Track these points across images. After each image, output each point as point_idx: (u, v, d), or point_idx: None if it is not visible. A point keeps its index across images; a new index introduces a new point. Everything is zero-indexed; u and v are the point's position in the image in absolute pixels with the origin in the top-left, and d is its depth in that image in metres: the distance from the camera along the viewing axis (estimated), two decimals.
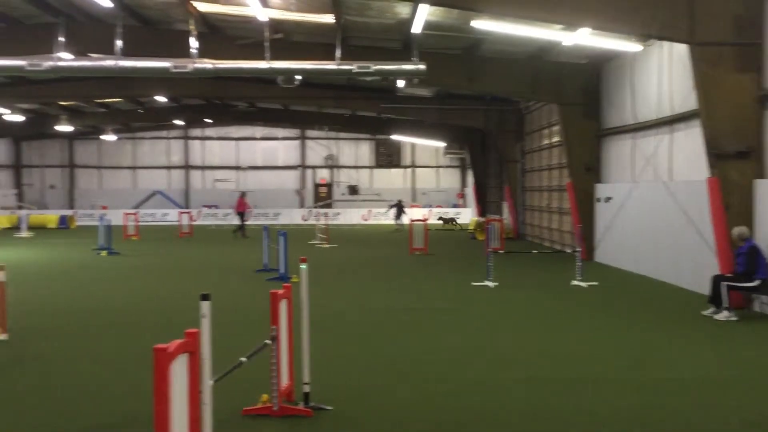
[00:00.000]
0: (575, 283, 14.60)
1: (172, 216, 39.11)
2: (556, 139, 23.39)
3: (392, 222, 36.10)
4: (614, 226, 18.28)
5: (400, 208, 35.36)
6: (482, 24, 13.72)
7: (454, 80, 20.63)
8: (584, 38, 14.93)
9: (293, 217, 40.28)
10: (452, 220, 36.32)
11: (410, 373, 7.89)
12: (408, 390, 7.21)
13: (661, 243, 15.36)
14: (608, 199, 18.76)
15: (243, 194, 31.18)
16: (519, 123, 28.50)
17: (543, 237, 25.49)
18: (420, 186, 45.28)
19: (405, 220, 33.35)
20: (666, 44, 15.11)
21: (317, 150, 45.00)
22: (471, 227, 29.47)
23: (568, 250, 19.69)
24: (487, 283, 14.48)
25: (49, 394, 7.12)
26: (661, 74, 15.70)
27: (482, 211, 36.11)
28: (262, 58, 16.83)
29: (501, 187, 32.16)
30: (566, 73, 19.74)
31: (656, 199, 15.61)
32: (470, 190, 40.16)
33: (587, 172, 19.81)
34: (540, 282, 15.46)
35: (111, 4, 16.09)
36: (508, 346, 9.20)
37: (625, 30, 13.04)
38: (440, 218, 36.76)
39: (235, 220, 32.11)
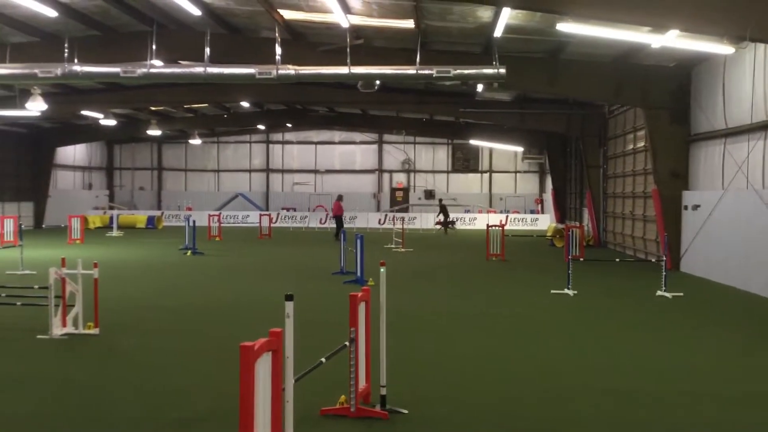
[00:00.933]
0: (660, 293, 14.09)
1: (252, 218, 40.14)
2: (641, 144, 22.67)
3: (439, 227, 36.47)
4: (702, 235, 17.54)
5: (444, 211, 35.74)
6: (567, 27, 13.46)
7: (535, 84, 20.33)
8: (673, 40, 14.39)
9: (369, 220, 40.60)
10: (452, 222, 36.05)
11: (487, 379, 7.82)
12: (484, 397, 7.15)
13: (753, 253, 14.62)
14: (696, 207, 18.02)
15: (340, 198, 31.55)
16: (602, 127, 27.78)
17: (626, 245, 24.74)
18: (497, 191, 44.79)
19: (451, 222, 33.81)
20: (761, 46, 14.41)
21: (394, 154, 45.24)
22: (549, 233, 28.90)
23: (653, 259, 19.02)
24: (566, 291, 14.17)
25: (137, 387, 7.44)
26: (756, 77, 14.97)
27: (561, 217, 35.40)
28: (343, 63, 17.09)
29: (581, 192, 31.41)
30: (653, 76, 19.12)
31: (748, 208, 14.88)
32: (549, 196, 39.42)
33: (674, 178, 19.10)
34: (622, 291, 15.01)
35: (200, 13, 16.71)
36: (589, 356, 8.97)
37: (718, 32, 12.50)
38: (438, 222, 36.56)
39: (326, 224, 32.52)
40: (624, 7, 12.15)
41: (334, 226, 30.53)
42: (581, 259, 17.78)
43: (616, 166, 26.29)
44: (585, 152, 28.42)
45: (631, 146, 24.08)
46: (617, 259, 19.08)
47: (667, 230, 18.55)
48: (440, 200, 37.96)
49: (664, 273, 14.29)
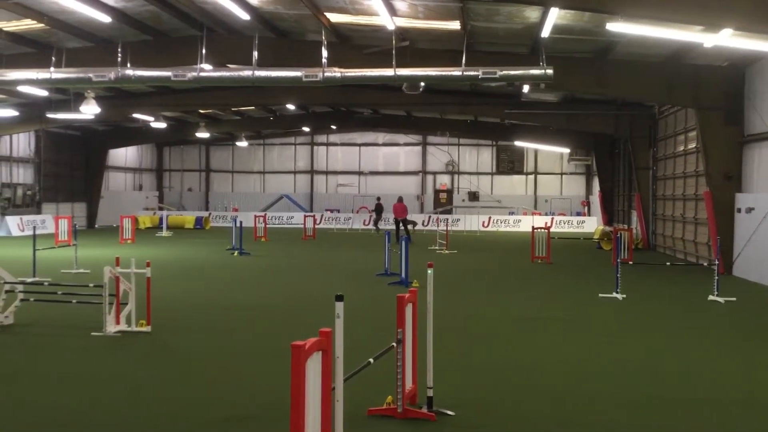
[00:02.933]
0: (712, 298, 13.74)
1: (297, 219, 40.56)
2: (692, 145, 22.15)
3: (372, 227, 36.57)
4: (756, 238, 17.04)
5: (379, 211, 35.88)
6: (617, 26, 13.25)
7: (583, 84, 20.07)
8: (726, 39, 14.03)
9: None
10: (412, 223, 35.52)
11: (535, 382, 7.75)
12: (531, 400, 7.09)
13: None
14: (750, 209, 17.51)
15: (400, 199, 31.63)
16: (651, 128, 27.23)
17: (676, 248, 24.19)
18: (542, 193, 44.29)
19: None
20: None
21: (438, 156, 45.15)
22: (596, 236, 28.45)
23: (704, 263, 18.56)
24: (615, 294, 13.94)
25: (188, 384, 7.61)
26: None
27: (608, 219, 34.81)
28: (388, 65, 17.15)
29: (630, 195, 30.85)
30: (705, 76, 18.68)
31: None
32: (596, 198, 38.81)
33: (727, 180, 18.60)
34: (673, 296, 14.69)
35: (249, 17, 16.99)
36: (639, 362, 8.81)
37: None
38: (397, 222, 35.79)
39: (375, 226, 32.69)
40: (677, 6, 11.91)
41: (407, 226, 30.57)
42: (630, 263, 17.47)
43: (666, 168, 25.74)
44: (634, 153, 27.90)
45: (682, 147, 23.55)
46: (667, 263, 18.66)
47: (720, 233, 18.08)
48: (378, 198, 38.62)
49: (716, 277, 13.93)
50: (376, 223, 36.88)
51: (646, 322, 11.65)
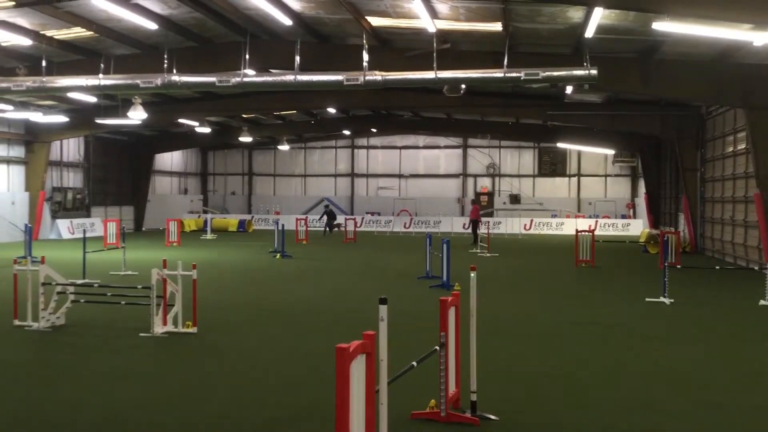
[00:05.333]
0: (763, 303, 13.35)
1: (338, 222, 40.74)
2: (741, 146, 21.57)
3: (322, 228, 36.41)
4: None
5: (330, 216, 35.89)
6: (664, 26, 12.99)
7: (628, 85, 19.71)
8: None
9: (454, 225, 40.42)
10: (336, 225, 35.52)
11: (579, 388, 7.63)
12: (577, 406, 6.99)
13: None
14: None
15: (475, 201, 31.39)
16: (699, 129, 26.61)
17: (725, 252, 23.57)
18: (585, 196, 43.62)
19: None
20: None
21: (479, 158, 44.87)
22: (642, 239, 27.90)
23: (755, 267, 18.03)
24: (662, 299, 13.65)
25: (233, 385, 7.71)
26: None
27: (655, 222, 34.12)
28: (429, 68, 17.13)
29: (677, 197, 30.18)
30: (755, 75, 18.17)
31: None
32: (641, 201, 38.07)
33: None
34: (722, 300, 14.32)
35: (291, 23, 17.17)
36: (689, 368, 8.60)
37: None
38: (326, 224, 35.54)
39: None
40: (725, 5, 11.63)
41: (470, 231, 30.64)
42: (678, 266, 17.09)
43: (714, 170, 25.12)
44: (681, 155, 27.29)
45: (731, 148, 22.96)
46: (716, 267, 18.20)
47: None
48: (326, 205, 40.04)
49: (767, 282, 13.53)
50: (327, 227, 36.55)
51: (695, 328, 11.38)
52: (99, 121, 27.58)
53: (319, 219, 36.86)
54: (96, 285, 12.50)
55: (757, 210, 19.00)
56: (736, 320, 12.10)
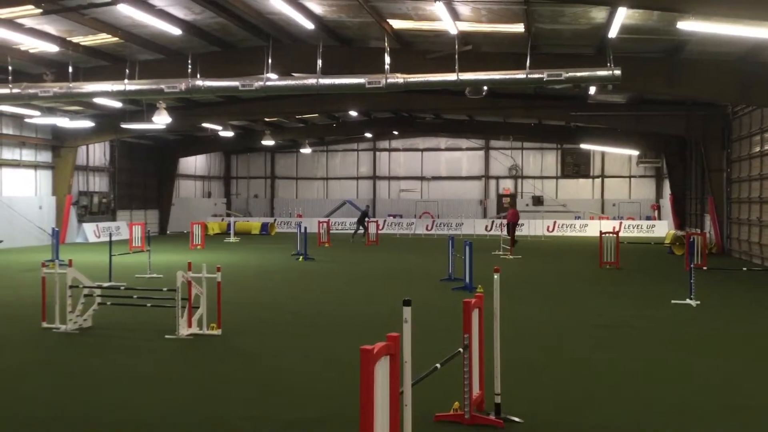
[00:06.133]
0: None
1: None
2: None
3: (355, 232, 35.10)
4: None
5: (364, 216, 34.66)
6: (689, 25, 12.83)
7: (652, 85, 19.51)
8: None
9: (476, 227, 40.28)
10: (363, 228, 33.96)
11: (603, 390, 7.57)
12: (601, 408, 6.93)
13: None
14: None
15: (512, 204, 31.36)
16: (725, 129, 26.24)
17: (752, 253, 23.20)
18: (609, 197, 43.23)
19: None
20: None
21: (501, 160, 44.68)
22: (668, 241, 27.57)
23: None
24: (688, 301, 13.48)
25: (257, 386, 7.76)
26: None
27: (680, 223, 33.70)
28: (450, 70, 17.08)
29: (703, 198, 29.79)
30: None
31: None
32: (667, 202, 37.63)
33: None
34: (750, 302, 14.10)
35: (313, 27, 17.25)
36: (716, 370, 8.48)
37: None
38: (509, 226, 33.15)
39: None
40: (750, 3, 11.45)
41: (507, 234, 30.66)
42: (704, 268, 16.87)
43: (741, 170, 24.75)
44: (707, 155, 26.94)
45: (758, 148, 22.61)
46: (744, 268, 17.93)
47: None
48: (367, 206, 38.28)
49: None
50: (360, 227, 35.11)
51: (722, 330, 11.22)
52: (124, 125, 27.92)
53: (358, 221, 35.64)
54: (122, 288, 12.66)
55: None
56: (762, 322, 11.90)
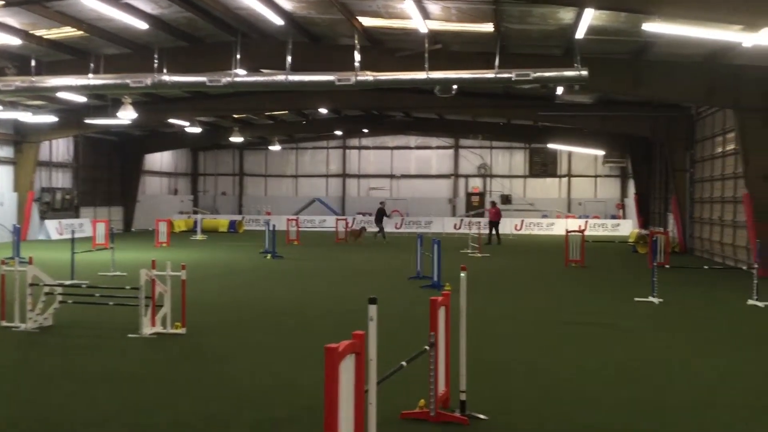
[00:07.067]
0: (751, 302, 13.43)
1: (329, 222, 40.73)
2: (731, 147, 21.70)
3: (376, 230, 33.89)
4: None
5: (381, 214, 33.80)
6: (654, 26, 13.05)
7: (618, 86, 19.80)
8: (766, 38, 13.72)
9: (445, 225, 40.46)
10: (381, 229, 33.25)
11: (567, 387, 7.65)
12: (565, 405, 7.00)
13: None
14: None
15: (494, 203, 31.78)
16: (689, 130, 26.75)
17: (714, 252, 23.70)
18: (576, 196, 43.76)
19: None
20: None
21: (470, 159, 44.94)
22: (632, 239, 28.02)
23: (744, 267, 18.13)
24: (651, 299, 13.70)
25: (221, 386, 7.67)
26: None
27: (644, 222, 34.27)
28: (420, 69, 17.14)
29: (666, 197, 30.33)
30: (745, 76, 18.28)
31: None
32: (631, 201, 38.23)
33: (766, 182, 18.18)
34: (711, 300, 14.40)
35: (282, 23, 17.13)
36: (677, 366, 8.63)
37: None
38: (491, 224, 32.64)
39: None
40: (715, 5, 11.68)
41: (487, 232, 31.14)
42: (666, 266, 17.16)
43: (704, 170, 25.26)
44: (670, 155, 27.43)
45: (720, 149, 23.09)
46: (705, 267, 18.30)
47: (759, 236, 17.63)
48: (381, 202, 36.42)
49: (755, 281, 13.61)
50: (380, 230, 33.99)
51: (683, 327, 11.43)
52: (88, 121, 27.43)
53: (376, 220, 34.23)
54: (84, 286, 12.43)
55: (745, 210, 19.12)
56: (724, 319, 12.16)
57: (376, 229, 33.97)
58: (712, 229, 24.04)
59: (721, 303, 13.95)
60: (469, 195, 45.08)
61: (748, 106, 18.31)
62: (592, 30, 15.74)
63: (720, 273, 18.97)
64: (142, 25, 17.15)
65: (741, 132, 18.67)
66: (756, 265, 14.01)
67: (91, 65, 19.06)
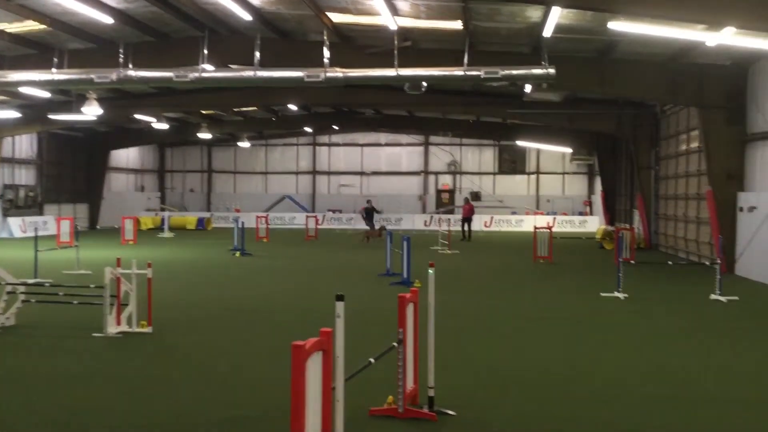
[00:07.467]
0: (714, 297, 13.72)
1: (299, 219, 40.54)
2: (694, 144, 22.11)
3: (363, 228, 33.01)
4: (759, 237, 17.00)
5: (370, 212, 33.13)
6: (619, 25, 13.24)
7: (585, 84, 20.06)
8: (729, 38, 14.02)
9: (415, 222, 40.59)
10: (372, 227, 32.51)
11: (536, 381, 7.73)
12: (532, 399, 7.08)
13: None
14: (752, 208, 17.48)
15: (467, 199, 31.90)
16: (654, 128, 27.20)
17: (678, 248, 24.15)
18: (544, 193, 44.24)
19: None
20: None
21: (440, 156, 45.12)
22: (598, 236, 28.41)
23: (707, 262, 18.52)
24: (617, 294, 13.92)
25: (188, 384, 7.60)
26: None
27: (611, 219, 34.75)
28: (390, 66, 17.13)
29: (632, 194, 30.80)
30: (708, 75, 18.65)
31: None
32: (598, 198, 38.76)
33: (729, 179, 18.58)
34: (674, 295, 14.66)
35: (251, 18, 16.98)
36: (640, 361, 8.78)
37: None
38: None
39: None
40: (678, 5, 11.88)
41: (460, 229, 31.22)
42: (632, 262, 17.42)
43: (668, 168, 25.70)
44: (636, 153, 27.86)
45: (684, 147, 23.51)
46: (669, 262, 18.64)
47: (722, 232, 18.04)
48: (368, 201, 35.42)
49: (718, 276, 13.91)
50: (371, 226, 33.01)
51: (647, 321, 11.62)
52: (52, 116, 26.89)
53: (366, 219, 33.25)
54: (48, 284, 12.21)
55: (708, 207, 19.51)
56: (687, 313, 12.40)
57: (371, 228, 33.39)
58: (677, 225, 24.48)
59: (685, 298, 14.22)
60: (439, 192, 45.27)
61: (711, 105, 18.67)
62: (559, 28, 15.90)
63: (684, 268, 19.34)
64: (108, 20, 16.86)
65: (704, 130, 19.04)
66: (718, 261, 14.33)
67: (55, 60, 18.67)
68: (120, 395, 7.18)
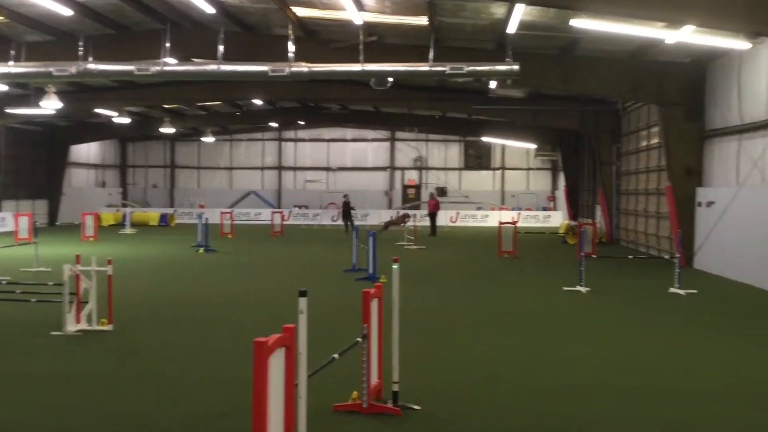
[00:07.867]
0: (673, 290, 14.01)
1: (265, 215, 40.25)
2: (654, 140, 22.53)
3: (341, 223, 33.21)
4: (716, 231, 17.41)
5: (348, 207, 33.20)
6: (581, 23, 13.41)
7: (548, 81, 20.26)
8: (688, 36, 14.30)
9: (381, 218, 40.60)
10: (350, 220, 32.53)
11: (499, 376, 7.81)
12: (496, 393, 7.15)
13: None
14: (710, 203, 17.89)
15: (432, 195, 31.95)
16: (615, 124, 27.64)
17: (639, 242, 24.61)
18: (509, 188, 44.66)
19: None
20: None
21: (406, 151, 45.21)
22: (562, 231, 28.80)
23: (666, 256, 18.91)
24: (579, 288, 14.12)
25: (151, 382, 7.49)
26: None
27: (574, 214, 35.25)
28: (356, 60, 17.09)
29: (594, 190, 31.28)
30: (667, 72, 18.99)
31: (764, 204, 14.75)
32: (561, 193, 39.28)
33: (688, 175, 18.98)
34: (635, 288, 14.94)
35: (214, 11, 16.76)
36: (601, 353, 8.93)
37: (734, 27, 12.41)
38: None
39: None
40: (638, 3, 12.07)
41: (428, 224, 31.45)
42: (594, 256, 17.70)
43: (629, 163, 26.15)
44: (598, 149, 28.28)
45: (644, 143, 23.94)
46: (630, 256, 18.99)
47: (681, 227, 18.44)
48: (345, 195, 35.44)
49: (677, 270, 14.21)
50: (349, 222, 33.07)
51: (608, 314, 11.82)
52: (10, 111, 26.23)
53: (339, 215, 33.05)
54: (5, 282, 11.91)
55: (668, 202, 19.90)
56: (647, 306, 12.64)
57: (347, 223, 33.06)
58: (637, 220, 24.94)
59: (645, 291, 14.49)
60: (405, 187, 45.36)
61: (671, 102, 19.02)
62: (523, 25, 16.03)
63: (644, 262, 19.71)
64: (67, 12, 16.48)
65: (663, 126, 19.40)
66: (677, 255, 14.63)
67: (12, 53, 18.20)
68: (79, 394, 7.05)
